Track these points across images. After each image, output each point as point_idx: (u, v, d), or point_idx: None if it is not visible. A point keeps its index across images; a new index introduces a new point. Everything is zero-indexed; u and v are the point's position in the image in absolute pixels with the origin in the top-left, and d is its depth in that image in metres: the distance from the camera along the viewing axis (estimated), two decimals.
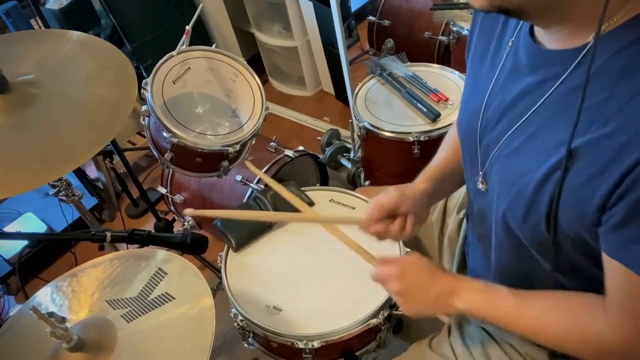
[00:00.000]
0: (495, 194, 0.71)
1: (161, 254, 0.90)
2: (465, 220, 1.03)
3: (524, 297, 0.70)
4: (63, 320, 0.72)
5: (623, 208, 0.52)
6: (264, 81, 2.25)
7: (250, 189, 1.50)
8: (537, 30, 0.63)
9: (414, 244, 1.12)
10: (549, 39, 0.60)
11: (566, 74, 0.58)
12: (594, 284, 0.66)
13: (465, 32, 1.81)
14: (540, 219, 0.62)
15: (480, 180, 0.75)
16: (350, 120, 1.64)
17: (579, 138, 0.55)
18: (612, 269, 0.58)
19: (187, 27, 1.24)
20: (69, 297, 0.87)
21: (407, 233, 0.87)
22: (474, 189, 0.79)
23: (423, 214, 0.91)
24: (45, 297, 0.88)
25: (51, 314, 0.71)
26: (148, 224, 2.13)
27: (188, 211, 0.75)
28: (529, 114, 0.62)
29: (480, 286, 0.75)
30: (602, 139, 0.53)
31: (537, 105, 0.61)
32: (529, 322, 0.69)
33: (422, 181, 0.90)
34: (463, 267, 1.03)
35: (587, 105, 0.54)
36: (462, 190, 1.07)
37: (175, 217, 1.84)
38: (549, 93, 0.60)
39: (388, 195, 0.86)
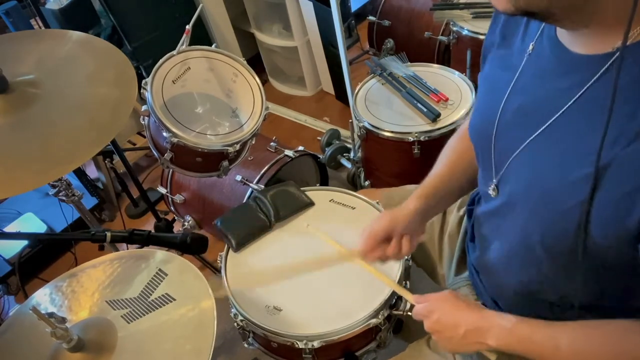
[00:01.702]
0: (511, 199, 0.70)
1: (161, 254, 0.90)
2: (466, 217, 1.03)
3: (556, 328, 0.68)
4: (63, 320, 0.72)
5: None
6: (264, 81, 2.25)
7: (250, 189, 1.50)
8: (561, 33, 0.61)
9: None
10: (576, 43, 0.59)
11: (593, 80, 0.56)
12: (605, 296, 0.66)
13: (465, 32, 1.81)
14: (568, 231, 0.60)
15: (492, 187, 0.74)
16: (350, 120, 1.64)
17: (609, 149, 0.53)
18: None
19: (187, 27, 1.24)
20: (69, 297, 0.87)
21: (405, 252, 0.89)
22: (485, 193, 0.78)
23: (418, 230, 0.92)
24: (45, 297, 0.88)
25: (51, 314, 0.70)
26: (148, 224, 2.13)
27: None
28: (554, 118, 0.61)
29: (509, 321, 0.72)
30: (635, 153, 0.51)
31: (563, 110, 0.59)
32: (565, 354, 0.67)
33: (414, 200, 0.90)
34: (463, 264, 1.03)
35: (614, 117, 0.52)
36: None
37: (175, 217, 1.84)
38: (575, 99, 0.58)
39: (379, 222, 0.87)
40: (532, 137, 0.64)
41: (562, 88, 0.60)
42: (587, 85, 0.57)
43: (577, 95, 0.58)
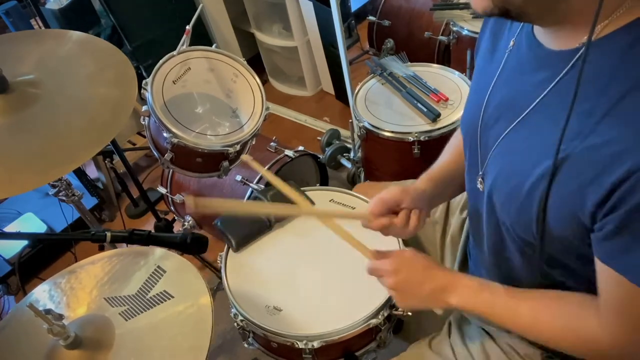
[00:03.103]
0: (490, 191, 0.71)
1: (160, 251, 0.90)
2: (468, 219, 1.03)
3: (517, 295, 0.71)
4: (60, 317, 0.72)
5: (616, 218, 0.52)
6: (264, 81, 2.25)
7: (250, 189, 1.50)
8: (537, 30, 0.63)
9: (415, 243, 1.12)
10: (549, 39, 0.61)
11: (561, 75, 0.58)
12: (582, 281, 0.67)
13: (465, 32, 1.81)
14: (531, 221, 0.62)
15: (479, 180, 0.75)
16: (350, 120, 1.64)
17: (568, 145, 0.55)
18: (604, 274, 0.58)
19: (187, 27, 1.24)
20: (67, 294, 0.87)
21: (411, 228, 0.85)
22: (472, 189, 0.79)
23: (425, 211, 0.90)
24: (43, 294, 0.88)
25: (48, 311, 0.71)
26: (148, 224, 2.13)
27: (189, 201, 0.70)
28: (525, 112, 0.63)
29: (475, 283, 0.75)
30: (592, 147, 0.53)
31: (534, 104, 0.61)
32: (524, 320, 0.70)
33: (423, 182, 0.90)
34: (464, 267, 1.03)
35: (578, 111, 0.54)
36: None
37: (175, 217, 1.84)
38: (544, 93, 0.60)
39: (390, 190, 0.86)
40: (506, 131, 0.66)
41: (535, 82, 0.62)
42: (556, 80, 0.58)
43: (547, 90, 0.60)
